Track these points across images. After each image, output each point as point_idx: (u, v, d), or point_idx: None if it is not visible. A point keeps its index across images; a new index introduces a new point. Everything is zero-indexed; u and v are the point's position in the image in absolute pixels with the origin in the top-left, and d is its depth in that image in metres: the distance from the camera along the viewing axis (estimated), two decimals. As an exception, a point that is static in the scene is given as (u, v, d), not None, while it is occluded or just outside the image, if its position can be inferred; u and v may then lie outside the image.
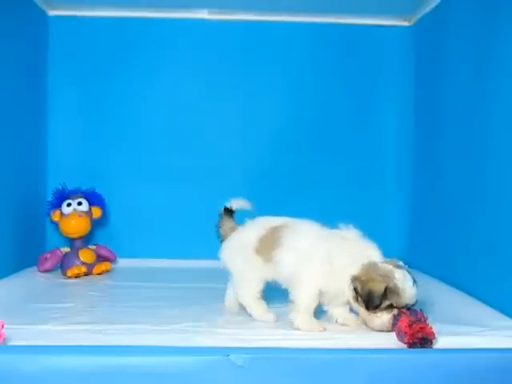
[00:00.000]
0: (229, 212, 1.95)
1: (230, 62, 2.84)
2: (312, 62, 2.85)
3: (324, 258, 1.65)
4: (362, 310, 1.62)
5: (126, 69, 2.82)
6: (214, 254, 2.70)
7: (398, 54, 2.86)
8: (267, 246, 1.75)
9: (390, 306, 1.58)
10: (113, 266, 2.60)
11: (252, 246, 1.78)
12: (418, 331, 1.45)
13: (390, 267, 1.61)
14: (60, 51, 2.79)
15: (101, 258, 2.58)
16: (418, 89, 2.74)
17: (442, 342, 1.50)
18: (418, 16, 2.72)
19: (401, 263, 1.66)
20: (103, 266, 2.52)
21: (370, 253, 1.64)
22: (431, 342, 1.45)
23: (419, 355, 1.40)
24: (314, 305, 1.68)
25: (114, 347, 1.41)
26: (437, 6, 2.48)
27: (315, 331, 1.62)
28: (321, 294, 1.67)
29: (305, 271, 1.66)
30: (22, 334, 1.52)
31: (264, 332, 1.61)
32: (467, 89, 2.14)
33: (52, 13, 2.78)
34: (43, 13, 2.74)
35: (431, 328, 1.47)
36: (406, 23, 2.85)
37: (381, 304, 1.58)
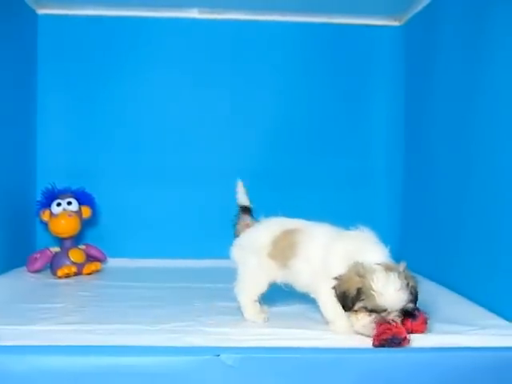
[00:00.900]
0: (244, 209, 1.90)
1: (221, 62, 2.84)
2: (303, 61, 2.86)
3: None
4: (344, 311, 1.56)
5: (115, 68, 2.81)
6: (203, 254, 2.74)
7: (389, 54, 2.87)
8: (282, 252, 1.72)
9: (371, 310, 1.50)
10: (103, 265, 2.59)
11: (265, 249, 1.75)
12: (382, 333, 1.45)
13: (375, 268, 1.51)
14: (49, 50, 2.77)
15: (91, 258, 2.57)
16: (409, 88, 2.75)
17: (431, 341, 1.51)
18: (409, 16, 2.73)
19: (399, 267, 1.54)
20: (93, 266, 2.51)
21: (369, 254, 1.55)
22: (400, 343, 1.44)
23: (409, 354, 1.40)
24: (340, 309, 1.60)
25: (104, 347, 1.40)
26: (427, 6, 2.49)
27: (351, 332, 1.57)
28: None
29: (317, 283, 1.64)
30: (11, 335, 1.52)
31: (254, 332, 1.61)
32: (457, 88, 2.15)
33: (41, 11, 2.77)
34: (32, 11, 2.72)
35: (400, 328, 1.46)
36: (396, 23, 2.86)
37: (353, 305, 1.51)
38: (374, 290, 1.48)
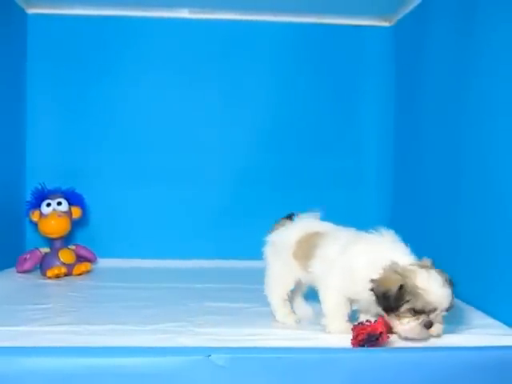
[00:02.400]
0: (289, 216, 1.87)
1: (212, 62, 2.84)
2: (293, 61, 2.86)
3: (345, 263, 1.57)
4: (386, 315, 1.50)
5: (105, 68, 2.79)
6: (194, 254, 2.74)
7: (379, 54, 2.87)
8: (303, 253, 1.71)
9: (418, 311, 1.46)
10: (93, 266, 2.58)
11: (290, 248, 1.74)
12: (357, 335, 1.45)
13: (413, 267, 1.48)
14: (39, 49, 2.76)
15: (81, 259, 2.56)
16: (399, 88, 2.76)
17: (424, 340, 1.51)
18: (399, 16, 2.74)
19: (430, 264, 1.52)
20: (83, 267, 2.50)
21: (395, 255, 1.51)
22: (377, 339, 1.43)
23: (400, 354, 1.41)
24: (341, 310, 1.60)
25: (94, 348, 1.39)
26: (417, 7, 2.50)
27: (346, 333, 1.53)
28: (351, 300, 1.61)
29: (325, 278, 1.62)
30: (1, 336, 1.51)
31: (245, 332, 1.61)
32: (447, 88, 2.17)
33: (31, 11, 2.76)
34: (22, 10, 2.71)
35: (374, 325, 1.45)
36: (386, 23, 2.87)
37: (399, 307, 1.46)
38: (420, 289, 1.44)
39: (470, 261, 1.92)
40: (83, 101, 2.79)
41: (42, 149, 2.78)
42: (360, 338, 1.44)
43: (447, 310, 1.48)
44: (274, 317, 1.77)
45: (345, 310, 1.60)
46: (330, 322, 1.60)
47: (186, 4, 2.76)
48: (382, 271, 1.49)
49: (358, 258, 1.55)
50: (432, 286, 1.45)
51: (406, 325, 1.47)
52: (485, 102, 1.86)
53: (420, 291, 1.44)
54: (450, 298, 1.47)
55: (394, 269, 1.48)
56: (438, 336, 1.50)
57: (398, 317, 1.48)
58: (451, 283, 1.49)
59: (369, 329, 1.45)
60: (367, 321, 1.49)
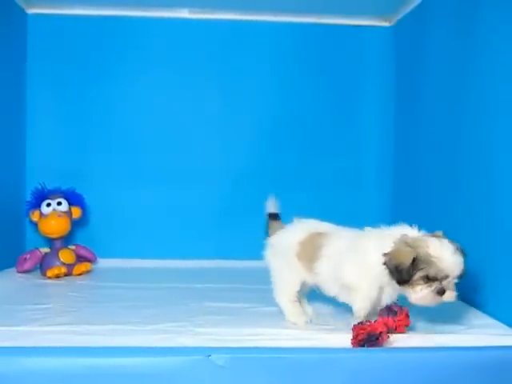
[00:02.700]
0: (272, 216, 1.90)
1: (212, 62, 2.84)
2: (293, 61, 2.86)
3: (356, 256, 1.60)
4: (399, 286, 1.54)
5: (105, 68, 2.80)
6: (194, 254, 2.74)
7: (379, 54, 2.88)
8: (308, 254, 1.71)
9: (431, 279, 1.49)
10: (93, 266, 2.58)
11: (294, 249, 1.74)
12: (357, 334, 1.45)
13: (424, 237, 1.53)
14: (39, 50, 2.76)
15: (81, 259, 2.56)
16: (399, 88, 2.76)
17: (422, 340, 1.51)
18: (399, 16, 2.74)
19: (442, 234, 1.57)
20: (83, 267, 2.50)
21: (406, 230, 1.58)
22: (377, 339, 1.44)
23: (400, 354, 1.40)
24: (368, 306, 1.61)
25: (95, 348, 1.39)
26: (417, 7, 2.50)
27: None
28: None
29: (353, 280, 1.61)
30: (1, 336, 1.51)
31: (245, 332, 1.61)
32: (447, 88, 2.17)
33: (31, 11, 2.76)
34: (22, 10, 2.71)
35: (374, 325, 1.46)
36: (386, 23, 2.87)
37: (412, 276, 1.49)
38: (433, 257, 1.48)
39: (470, 261, 1.92)
40: (83, 101, 2.79)
41: (42, 149, 2.78)
42: (360, 337, 1.45)
43: (459, 277, 1.52)
44: (284, 317, 1.76)
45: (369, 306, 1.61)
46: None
47: (186, 4, 2.76)
48: (393, 244, 1.53)
49: (369, 243, 1.59)
50: (444, 254, 1.48)
51: (419, 292, 1.51)
52: (485, 101, 1.86)
53: (433, 259, 1.48)
54: (462, 266, 1.51)
55: (404, 240, 1.53)
56: (451, 300, 1.53)
57: (412, 285, 1.51)
58: (463, 252, 1.53)
59: (369, 329, 1.45)
60: (367, 321, 1.49)
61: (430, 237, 1.54)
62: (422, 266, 1.49)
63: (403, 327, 1.56)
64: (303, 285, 1.78)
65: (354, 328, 1.48)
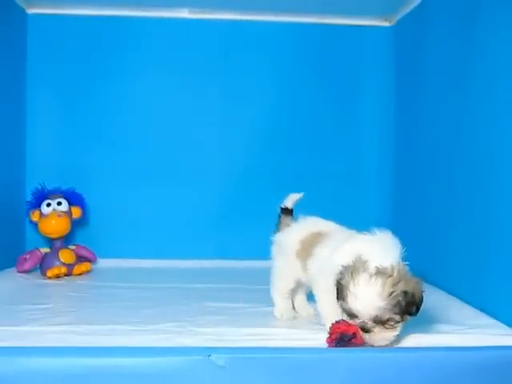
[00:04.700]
0: (286, 210, 1.91)
1: (212, 62, 2.84)
2: (293, 61, 2.86)
3: (332, 262, 1.52)
4: None
5: (105, 68, 2.79)
6: (194, 254, 2.74)
7: (379, 54, 2.88)
8: (305, 253, 1.72)
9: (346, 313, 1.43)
10: (93, 266, 2.58)
11: (295, 247, 1.76)
12: (332, 333, 1.44)
13: (364, 268, 1.39)
14: (39, 49, 2.76)
15: (81, 259, 2.56)
16: (399, 88, 2.76)
17: (421, 340, 1.51)
18: (399, 16, 2.73)
19: (394, 271, 1.40)
20: (83, 267, 2.50)
21: (376, 255, 1.42)
22: (350, 339, 1.41)
23: (399, 354, 1.40)
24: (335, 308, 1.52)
25: (95, 348, 1.39)
26: (417, 7, 2.50)
27: None
28: None
29: (317, 278, 1.63)
30: (0, 336, 1.51)
31: (245, 332, 1.61)
32: (447, 88, 2.17)
33: (31, 11, 2.76)
34: (22, 10, 2.71)
35: (350, 325, 1.42)
36: (386, 23, 2.87)
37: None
38: (349, 291, 1.39)
39: (470, 261, 1.92)
40: (83, 101, 2.79)
41: (42, 149, 2.77)
42: (334, 336, 1.43)
43: (377, 321, 1.39)
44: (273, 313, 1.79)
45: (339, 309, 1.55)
46: (327, 322, 1.57)
47: (186, 4, 2.76)
48: (351, 261, 1.43)
49: (339, 255, 1.49)
50: (357, 292, 1.38)
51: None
52: (485, 101, 1.86)
53: (348, 293, 1.40)
54: (378, 311, 1.38)
55: (353, 260, 1.42)
56: (373, 345, 1.42)
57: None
58: (408, 298, 1.39)
59: (343, 328, 1.42)
60: (343, 320, 1.45)
61: (370, 270, 1.38)
62: (342, 297, 1.42)
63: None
64: (298, 282, 1.79)
65: (331, 327, 1.46)
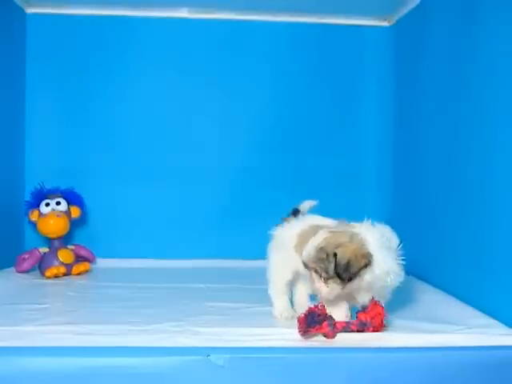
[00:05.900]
0: (296, 213, 1.91)
1: (211, 62, 2.84)
2: (293, 61, 2.86)
3: None
4: None
5: (104, 67, 2.79)
6: (194, 254, 2.74)
7: (378, 54, 2.88)
8: (303, 246, 1.70)
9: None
10: (92, 266, 2.58)
11: (292, 241, 1.78)
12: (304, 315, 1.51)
13: (336, 228, 1.60)
14: (38, 50, 2.76)
15: (80, 259, 2.56)
16: (398, 88, 2.76)
17: (419, 340, 1.51)
18: (398, 16, 2.73)
19: (354, 236, 1.56)
20: (82, 267, 2.50)
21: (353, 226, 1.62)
22: (319, 315, 1.49)
23: (400, 354, 1.41)
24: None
25: (94, 348, 1.39)
26: (417, 6, 2.50)
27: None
28: None
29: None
30: (0, 336, 1.51)
31: (245, 332, 1.60)
32: (446, 88, 2.17)
33: (30, 10, 2.75)
34: (21, 10, 2.71)
35: (320, 309, 1.51)
36: (386, 23, 2.87)
37: None
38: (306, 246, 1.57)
39: (469, 260, 1.92)
40: (82, 101, 2.79)
41: (41, 149, 2.77)
42: (302, 316, 1.49)
43: (315, 270, 1.54)
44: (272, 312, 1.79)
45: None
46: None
47: (186, 4, 2.76)
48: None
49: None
50: (309, 244, 1.56)
51: None
52: (484, 101, 1.86)
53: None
54: (314, 262, 1.54)
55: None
56: (321, 293, 1.56)
57: None
58: (336, 258, 1.51)
59: (310, 309, 1.50)
60: (322, 305, 1.54)
61: (334, 230, 1.58)
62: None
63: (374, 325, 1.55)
64: (296, 274, 1.80)
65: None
